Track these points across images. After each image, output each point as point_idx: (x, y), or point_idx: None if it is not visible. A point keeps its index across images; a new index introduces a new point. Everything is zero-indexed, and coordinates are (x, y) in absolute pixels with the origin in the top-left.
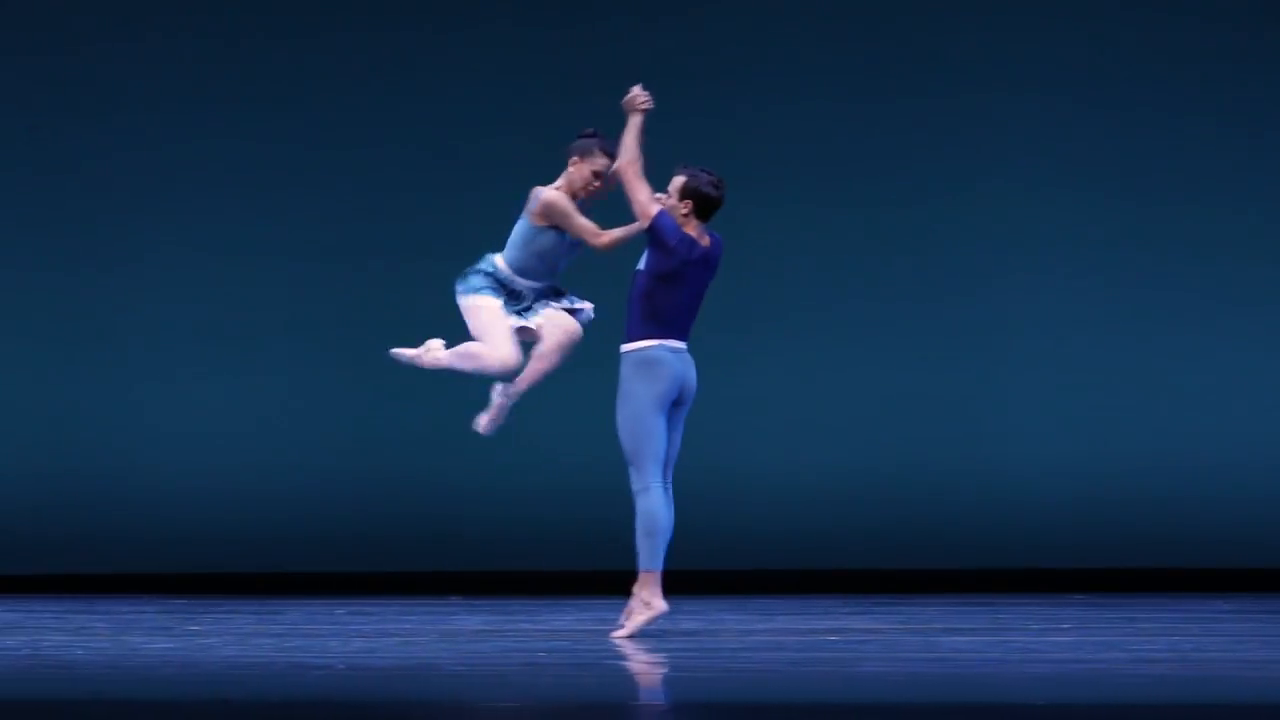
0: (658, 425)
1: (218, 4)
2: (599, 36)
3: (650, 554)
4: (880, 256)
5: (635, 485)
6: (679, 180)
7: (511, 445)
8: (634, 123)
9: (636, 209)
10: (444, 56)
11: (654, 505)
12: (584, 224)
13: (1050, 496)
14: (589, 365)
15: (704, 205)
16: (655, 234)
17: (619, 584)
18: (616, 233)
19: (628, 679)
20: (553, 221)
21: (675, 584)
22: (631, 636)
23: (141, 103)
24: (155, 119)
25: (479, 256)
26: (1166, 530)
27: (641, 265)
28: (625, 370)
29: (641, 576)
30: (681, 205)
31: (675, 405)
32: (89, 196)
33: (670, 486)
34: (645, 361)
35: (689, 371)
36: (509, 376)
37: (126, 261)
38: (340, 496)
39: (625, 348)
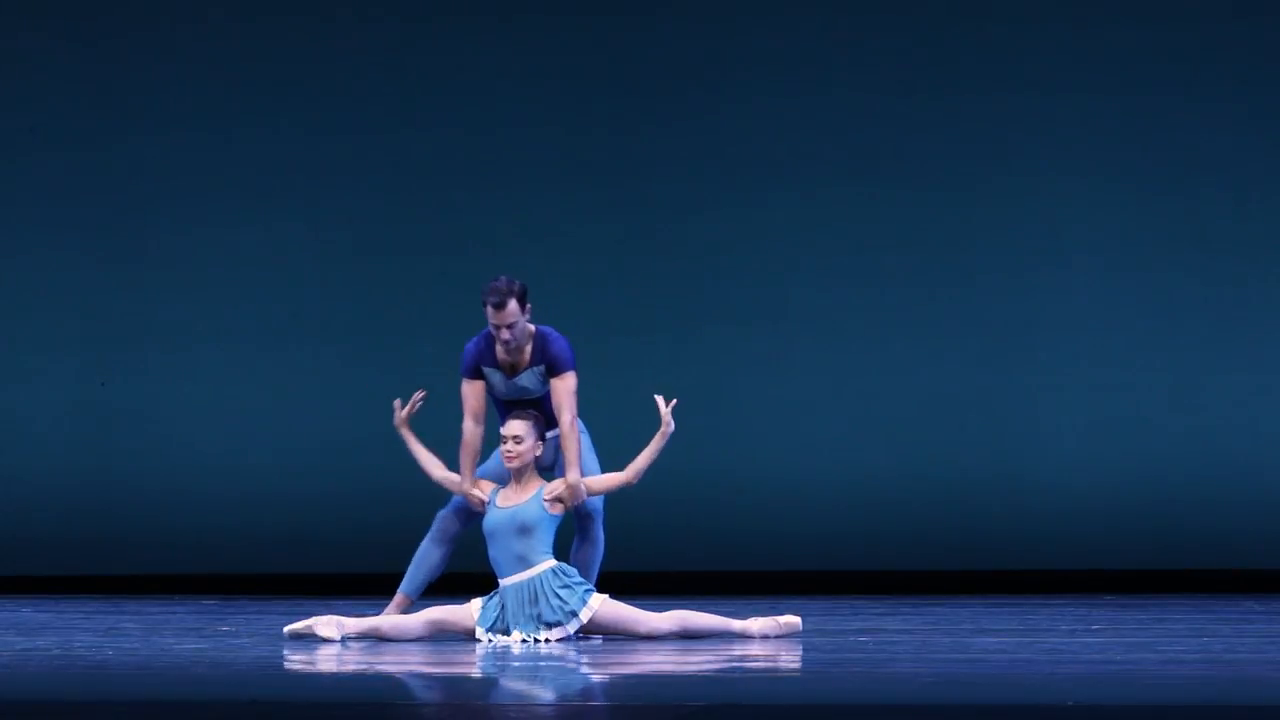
0: None
1: (244, 6)
2: (620, 32)
3: None
4: (910, 257)
5: (600, 508)
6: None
7: None
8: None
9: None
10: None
11: None
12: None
13: (1081, 497)
14: (600, 367)
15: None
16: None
17: (636, 585)
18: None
19: (652, 682)
20: None
21: (708, 585)
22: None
23: (175, 106)
24: (188, 121)
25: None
26: (1197, 531)
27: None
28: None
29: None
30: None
31: None
32: (122, 199)
33: None
34: None
35: None
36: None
37: (157, 264)
38: (370, 498)
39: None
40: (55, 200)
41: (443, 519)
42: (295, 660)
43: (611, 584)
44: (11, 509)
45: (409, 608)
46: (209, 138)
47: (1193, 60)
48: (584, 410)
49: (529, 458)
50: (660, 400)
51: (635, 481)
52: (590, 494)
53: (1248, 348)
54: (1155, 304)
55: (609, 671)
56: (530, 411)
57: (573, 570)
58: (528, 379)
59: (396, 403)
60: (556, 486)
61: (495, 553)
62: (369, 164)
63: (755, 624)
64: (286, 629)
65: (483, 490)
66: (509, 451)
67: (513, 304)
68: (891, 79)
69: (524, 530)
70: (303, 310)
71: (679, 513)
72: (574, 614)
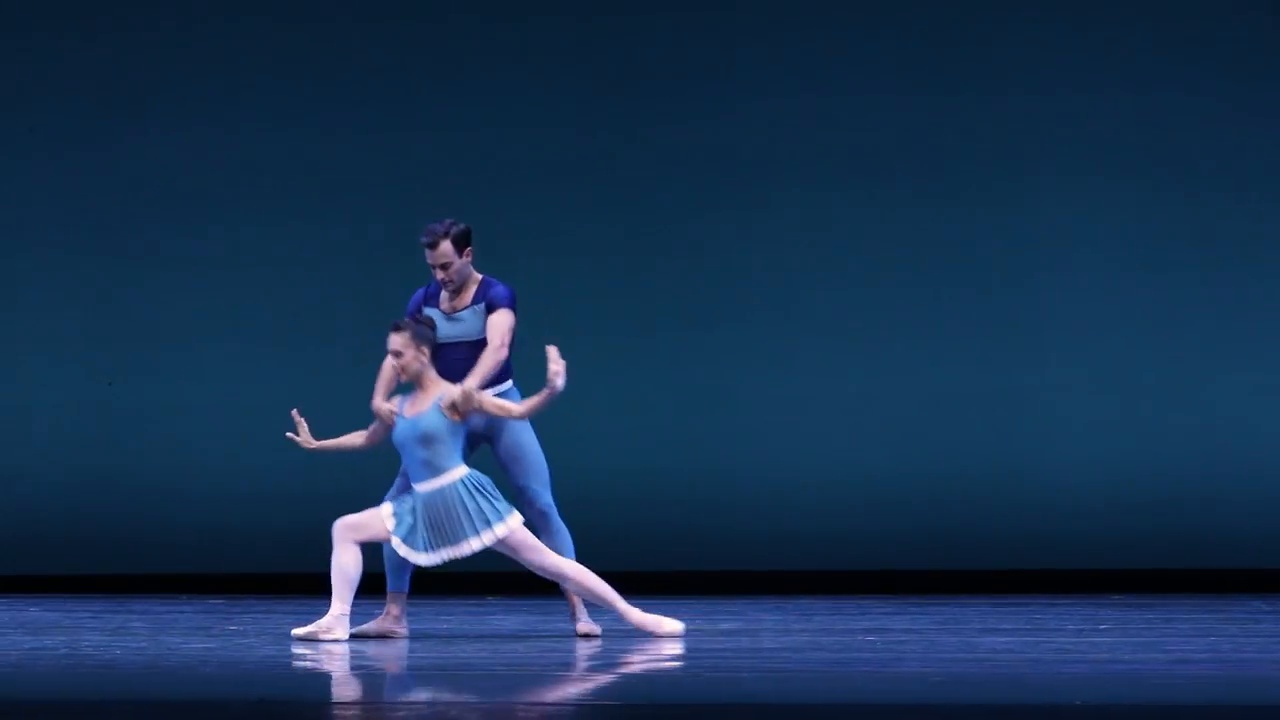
0: None
1: (248, 5)
2: (625, 32)
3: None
4: (915, 257)
5: (552, 504)
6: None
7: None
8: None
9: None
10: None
11: None
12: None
13: (1088, 497)
14: (604, 366)
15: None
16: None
17: (658, 585)
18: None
19: (666, 680)
20: None
21: (715, 585)
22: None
23: (182, 104)
24: (195, 120)
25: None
26: (1205, 531)
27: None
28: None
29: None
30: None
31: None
32: (129, 198)
33: None
34: None
35: None
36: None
37: (164, 263)
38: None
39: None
40: (61, 199)
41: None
42: (303, 660)
43: (616, 584)
44: (19, 508)
45: (404, 604)
46: (215, 137)
47: (1197, 59)
48: (587, 405)
49: (415, 367)
50: (552, 352)
51: (525, 417)
52: (481, 407)
53: (1254, 346)
54: (1161, 303)
55: (615, 671)
56: (408, 323)
57: (489, 482)
58: (466, 316)
59: (294, 437)
60: (452, 393)
61: (405, 462)
62: (375, 164)
63: (637, 615)
64: (294, 632)
65: (391, 405)
66: (394, 366)
67: (445, 244)
68: (897, 80)
69: (426, 439)
70: (309, 310)
71: (683, 511)
72: (490, 526)
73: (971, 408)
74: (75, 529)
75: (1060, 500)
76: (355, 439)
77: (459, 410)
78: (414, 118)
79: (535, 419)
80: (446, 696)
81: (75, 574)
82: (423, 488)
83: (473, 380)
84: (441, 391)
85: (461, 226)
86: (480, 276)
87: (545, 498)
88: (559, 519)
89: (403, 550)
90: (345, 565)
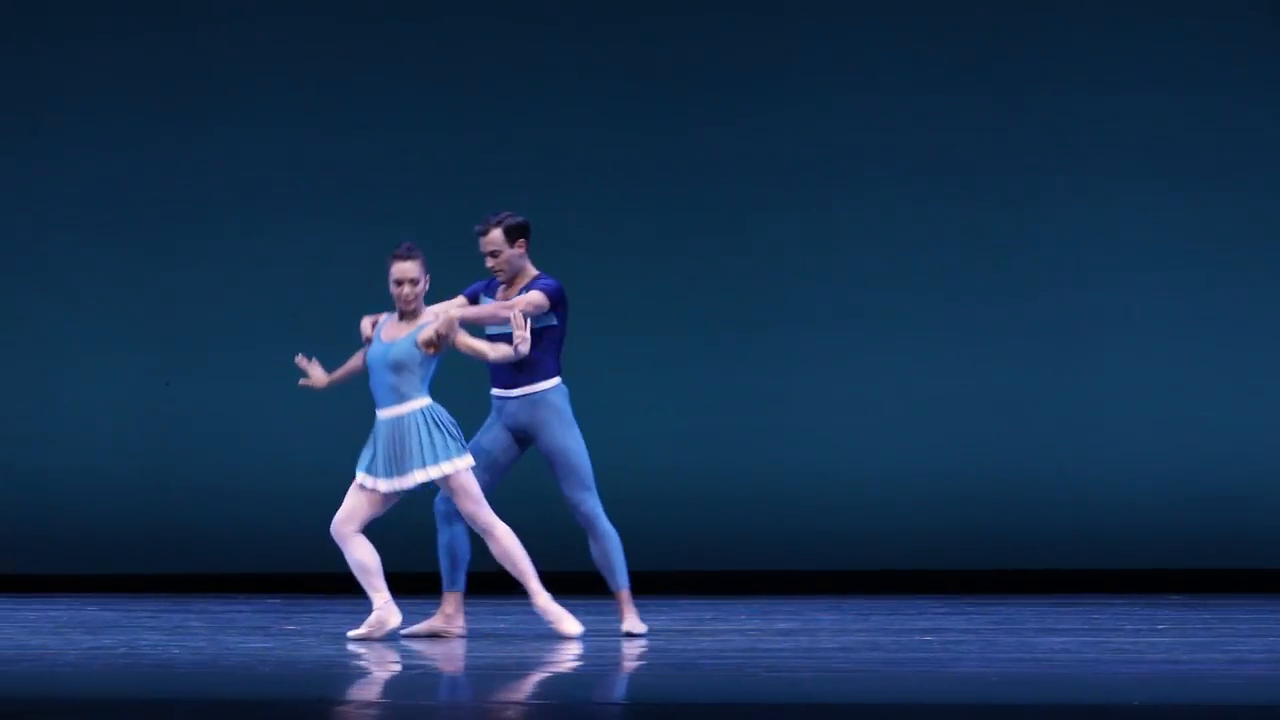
0: None
1: (299, 6)
2: (683, 32)
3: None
4: (972, 256)
5: (595, 502)
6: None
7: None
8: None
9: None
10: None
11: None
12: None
13: (1146, 496)
14: (661, 366)
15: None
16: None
17: (715, 585)
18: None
19: (723, 679)
20: None
21: (772, 584)
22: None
23: (239, 105)
24: (251, 120)
25: None
26: (1263, 530)
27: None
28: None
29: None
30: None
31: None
32: (186, 199)
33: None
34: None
35: None
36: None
37: (221, 263)
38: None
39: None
40: (120, 200)
41: (436, 506)
42: (360, 659)
43: (672, 584)
44: (78, 508)
45: (459, 604)
46: (269, 137)
47: (1254, 59)
48: (642, 405)
49: (417, 302)
50: (518, 319)
51: (492, 360)
52: (455, 343)
53: None
54: (1217, 303)
55: (671, 670)
56: (417, 248)
57: (447, 416)
58: None
59: (306, 382)
60: (436, 324)
61: (371, 384)
62: (430, 165)
63: (544, 600)
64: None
65: (374, 320)
66: (405, 295)
67: (495, 233)
68: (952, 80)
69: (396, 365)
70: (365, 308)
71: (740, 511)
72: (437, 461)
73: (1027, 407)
74: (134, 528)
75: (1117, 500)
76: (356, 360)
77: (434, 344)
78: (469, 118)
79: (583, 420)
80: (502, 696)
81: (134, 573)
82: (384, 414)
83: (458, 310)
84: (424, 322)
85: (517, 219)
86: (535, 272)
87: (588, 504)
88: (605, 523)
89: (366, 480)
90: (362, 559)
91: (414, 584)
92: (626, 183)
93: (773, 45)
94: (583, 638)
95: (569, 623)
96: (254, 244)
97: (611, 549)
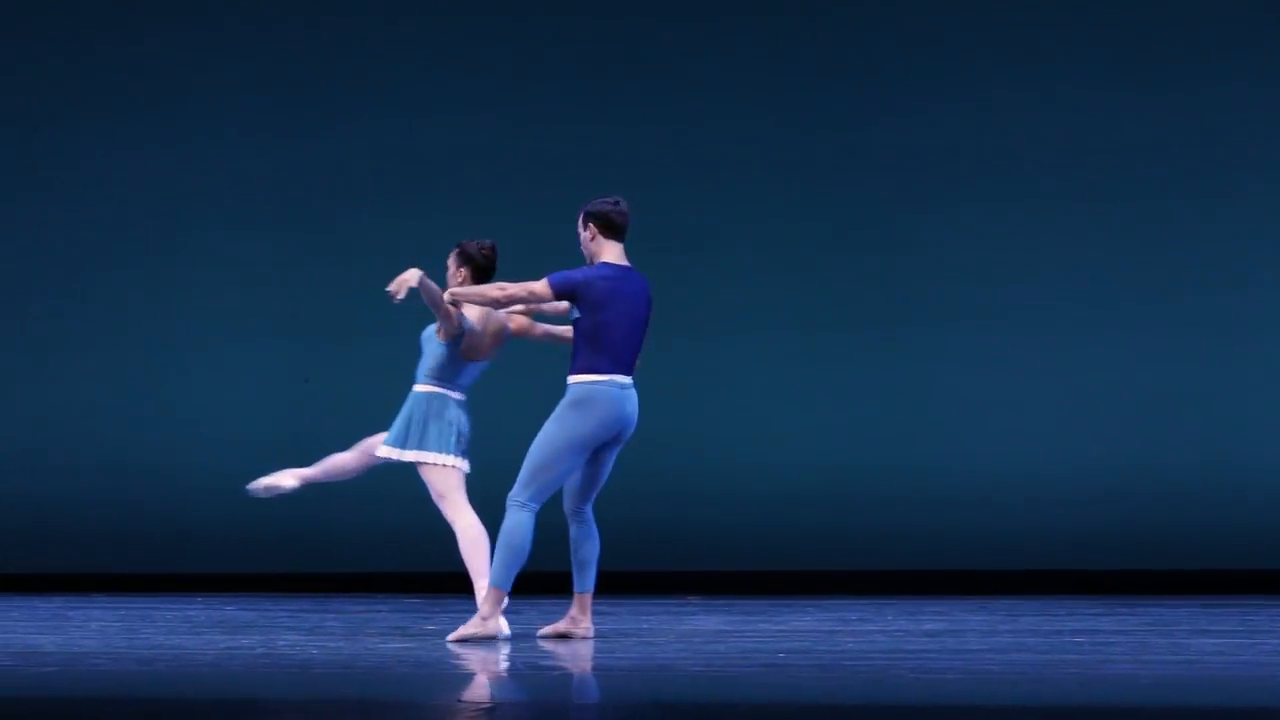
0: (574, 461)
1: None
2: (830, 28)
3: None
4: (1119, 254)
5: (519, 497)
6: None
7: (757, 446)
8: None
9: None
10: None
11: (526, 525)
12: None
13: None
14: (805, 361)
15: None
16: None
17: (862, 584)
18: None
19: (868, 681)
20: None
21: (920, 585)
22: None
23: (373, 96)
24: (385, 111)
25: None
26: None
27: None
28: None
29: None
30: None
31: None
32: (321, 191)
33: (591, 516)
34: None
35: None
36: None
37: (357, 258)
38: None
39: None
40: (257, 194)
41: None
42: (503, 660)
43: (815, 583)
44: (216, 506)
45: (586, 605)
46: (403, 129)
47: None
48: (789, 402)
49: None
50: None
51: (446, 302)
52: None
53: None
54: None
55: (818, 669)
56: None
57: (457, 415)
58: None
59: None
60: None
61: None
62: (574, 154)
63: (489, 602)
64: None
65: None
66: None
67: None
68: (1101, 74)
69: (423, 342)
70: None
71: (886, 510)
72: (416, 447)
73: (1176, 405)
74: (273, 527)
75: (1272, 498)
76: (562, 330)
77: (444, 331)
78: (612, 112)
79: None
80: (644, 698)
81: (272, 572)
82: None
83: (417, 272)
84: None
85: (590, 205)
86: (603, 260)
87: (510, 496)
88: (507, 519)
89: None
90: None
91: (657, 584)
92: (774, 178)
93: (926, 40)
94: (722, 638)
95: (497, 624)
96: (391, 237)
97: (495, 547)
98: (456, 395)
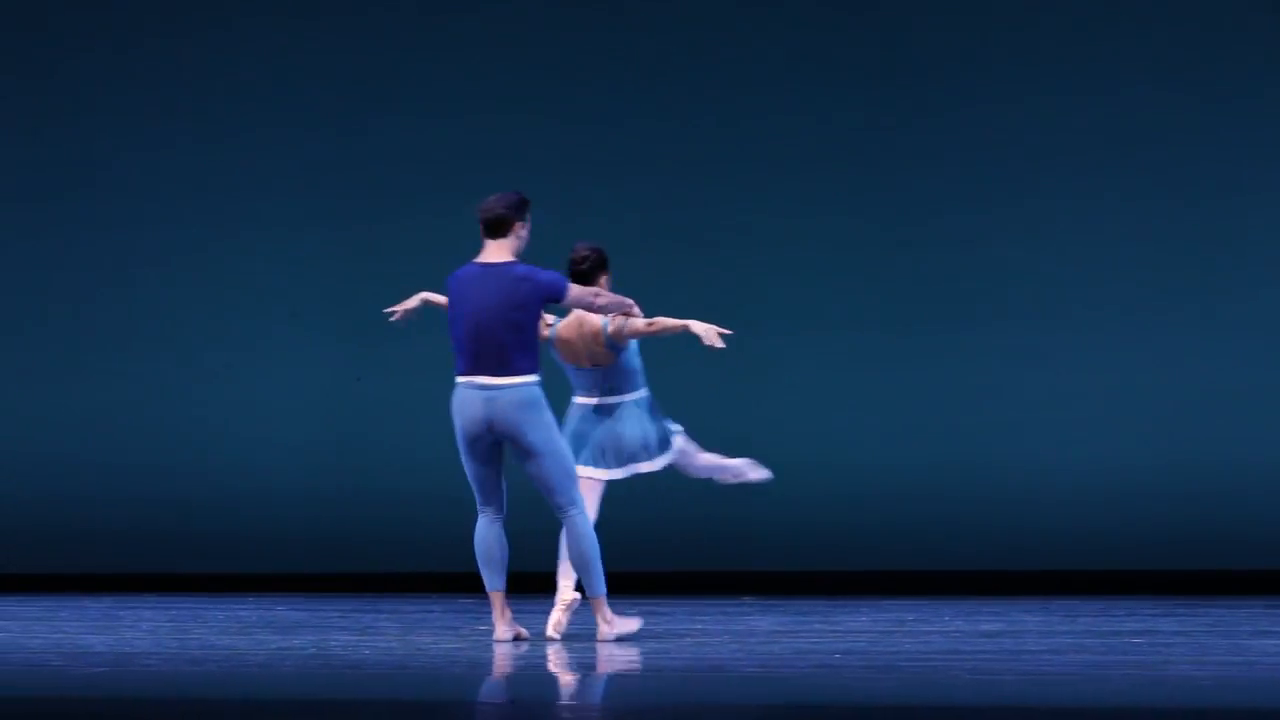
0: (467, 463)
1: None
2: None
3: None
4: (1182, 250)
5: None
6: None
7: (813, 446)
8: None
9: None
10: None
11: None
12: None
13: None
14: (859, 361)
15: None
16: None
17: (919, 585)
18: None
19: (924, 682)
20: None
21: (977, 585)
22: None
23: (429, 91)
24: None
25: None
26: None
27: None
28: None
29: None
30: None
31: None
32: (374, 188)
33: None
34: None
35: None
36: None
37: (409, 256)
38: (638, 496)
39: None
40: (306, 190)
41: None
42: (556, 661)
43: (871, 584)
44: (267, 506)
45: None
46: (456, 123)
47: None
48: (845, 402)
49: None
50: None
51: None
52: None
53: None
54: None
55: (877, 674)
56: None
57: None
58: None
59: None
60: None
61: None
62: (631, 153)
63: (560, 608)
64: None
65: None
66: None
67: None
68: (1163, 74)
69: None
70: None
71: (943, 510)
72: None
73: (1236, 402)
74: (321, 526)
75: None
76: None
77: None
78: (660, 110)
79: (783, 417)
80: (701, 699)
81: (323, 572)
82: None
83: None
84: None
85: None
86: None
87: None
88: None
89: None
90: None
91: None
92: (827, 175)
93: (982, 36)
94: (777, 639)
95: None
96: (444, 233)
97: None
98: (577, 399)
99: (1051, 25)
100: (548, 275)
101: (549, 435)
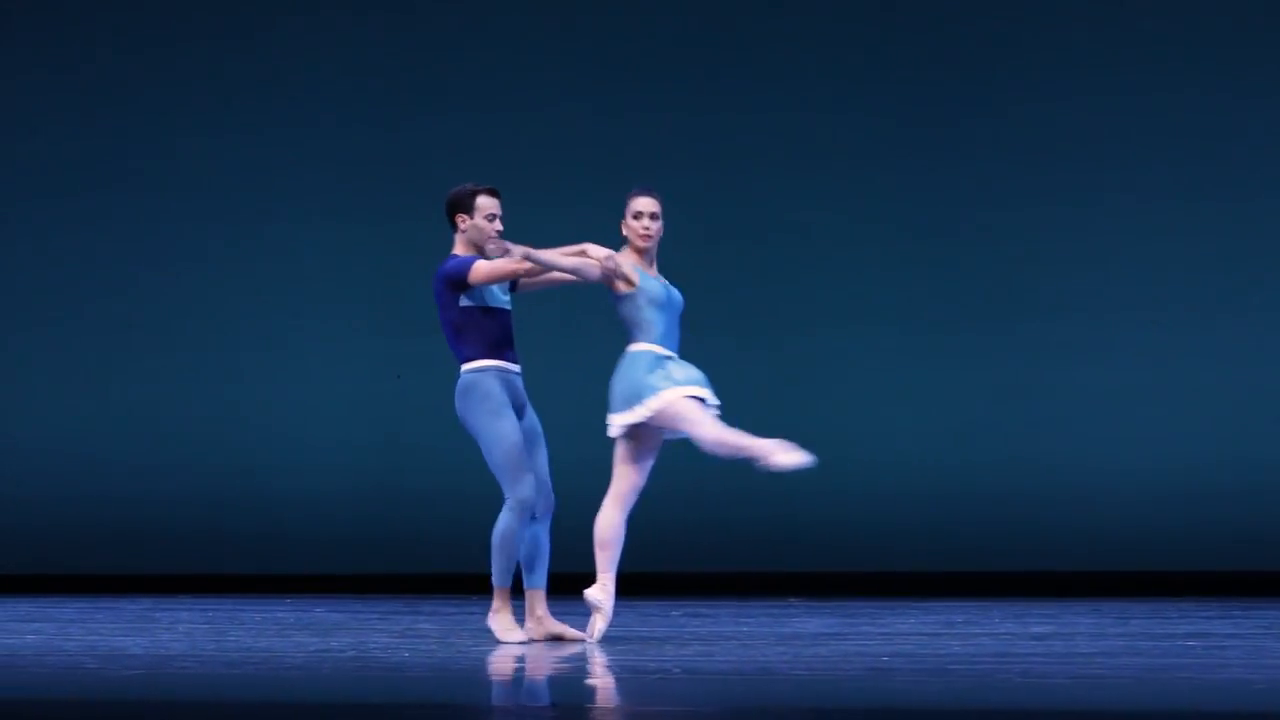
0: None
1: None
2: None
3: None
4: (1236, 247)
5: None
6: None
7: (863, 442)
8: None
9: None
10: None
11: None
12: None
13: None
14: (910, 358)
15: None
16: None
17: (962, 587)
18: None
19: (974, 685)
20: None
21: (1029, 586)
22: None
23: (479, 86)
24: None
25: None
26: None
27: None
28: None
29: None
30: None
31: None
32: (414, 183)
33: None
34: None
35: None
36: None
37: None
38: (674, 497)
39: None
40: (345, 186)
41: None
42: (597, 666)
43: (923, 584)
44: (305, 506)
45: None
46: (495, 118)
47: None
48: (896, 399)
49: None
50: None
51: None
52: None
53: None
54: None
55: (925, 677)
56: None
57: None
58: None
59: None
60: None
61: (665, 323)
62: (686, 148)
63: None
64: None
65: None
66: (647, 229)
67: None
68: (1226, 74)
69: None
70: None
71: (996, 509)
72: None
73: None
74: (361, 527)
75: None
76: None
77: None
78: (713, 104)
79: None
80: (735, 701)
81: (362, 573)
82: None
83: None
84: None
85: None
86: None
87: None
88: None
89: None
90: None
91: (757, 585)
92: (881, 170)
93: (1046, 33)
94: (824, 641)
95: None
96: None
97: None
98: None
99: (1113, 22)
100: (448, 263)
101: (480, 423)
